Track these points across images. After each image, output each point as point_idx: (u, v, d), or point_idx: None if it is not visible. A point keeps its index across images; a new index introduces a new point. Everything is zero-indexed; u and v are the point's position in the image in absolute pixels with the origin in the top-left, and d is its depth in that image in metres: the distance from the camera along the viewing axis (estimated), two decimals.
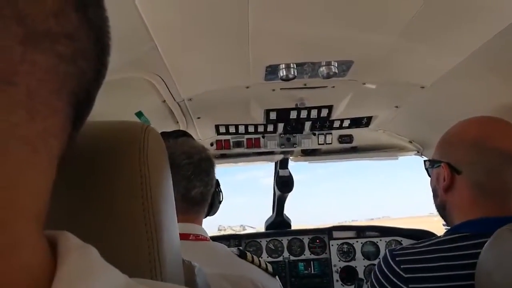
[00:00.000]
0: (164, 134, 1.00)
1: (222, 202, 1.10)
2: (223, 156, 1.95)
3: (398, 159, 2.02)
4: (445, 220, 0.89)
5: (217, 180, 1.02)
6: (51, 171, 0.26)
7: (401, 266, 0.76)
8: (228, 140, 1.85)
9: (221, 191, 1.08)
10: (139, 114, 1.30)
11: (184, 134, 1.08)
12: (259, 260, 0.94)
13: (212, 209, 1.03)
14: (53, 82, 0.24)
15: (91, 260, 0.28)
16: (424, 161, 0.94)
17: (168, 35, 0.92)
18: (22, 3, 0.22)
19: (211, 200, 0.98)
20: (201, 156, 0.93)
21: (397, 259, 0.78)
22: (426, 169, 0.94)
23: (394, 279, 0.76)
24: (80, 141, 0.43)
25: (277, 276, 0.98)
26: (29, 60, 0.22)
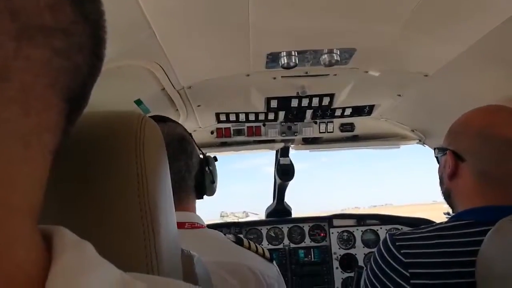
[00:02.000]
0: None
1: (215, 183, 1.02)
2: (224, 144, 1.95)
3: (400, 147, 2.01)
4: (451, 207, 0.90)
5: (206, 159, 0.97)
6: (45, 167, 0.25)
7: (401, 251, 0.76)
8: (229, 128, 1.84)
9: (210, 170, 0.97)
10: (138, 102, 1.29)
11: (161, 119, 1.01)
12: (256, 246, 0.93)
13: (203, 189, 0.95)
14: (48, 77, 0.24)
15: (86, 256, 0.28)
16: (434, 148, 0.95)
17: (166, 21, 0.90)
18: None
19: (200, 180, 0.94)
20: (169, 141, 0.89)
21: (397, 243, 0.77)
22: (436, 157, 0.94)
23: (394, 264, 0.76)
24: (75, 131, 0.42)
25: (274, 262, 0.97)
26: (23, 55, 0.22)
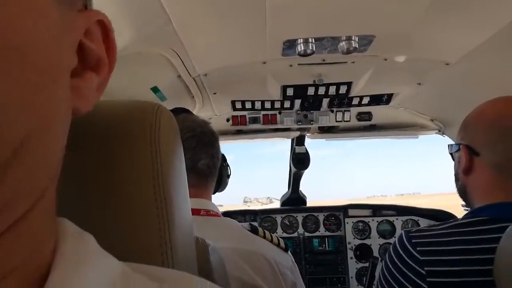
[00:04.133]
0: None
1: (230, 177, 1.10)
2: (239, 132, 1.94)
3: (418, 137, 1.97)
4: (467, 204, 0.88)
5: (223, 155, 1.02)
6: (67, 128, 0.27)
7: (417, 248, 0.74)
8: (244, 116, 1.83)
9: (228, 165, 1.08)
10: (155, 90, 1.29)
11: (184, 110, 1.08)
12: (271, 235, 0.94)
13: (221, 184, 1.03)
14: None
15: (87, 248, 0.28)
16: (448, 145, 0.92)
17: (182, 8, 0.89)
18: None
19: (219, 174, 0.98)
20: (203, 130, 0.93)
21: (413, 241, 0.76)
22: (450, 154, 0.92)
23: (409, 261, 0.75)
24: (91, 121, 0.42)
25: (289, 251, 0.98)
26: None
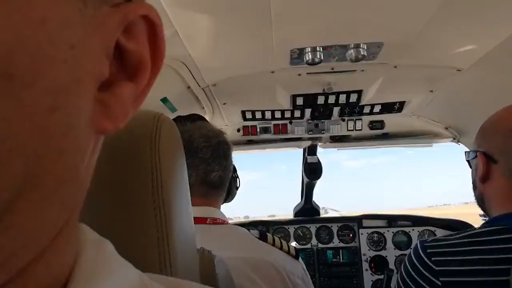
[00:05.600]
0: (180, 118, 0.99)
1: (239, 189, 1.08)
2: (250, 142, 1.94)
3: (432, 146, 1.93)
4: (485, 213, 0.86)
5: (233, 166, 1.00)
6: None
7: (432, 259, 0.73)
8: (255, 126, 1.83)
9: (237, 176, 1.06)
10: (164, 100, 1.30)
11: (200, 118, 1.07)
12: (281, 242, 0.91)
13: (229, 195, 1.02)
14: None
15: (107, 256, 0.27)
16: (465, 152, 0.91)
17: (188, 20, 0.90)
18: None
19: (228, 185, 0.97)
20: (219, 140, 0.92)
21: (428, 251, 0.75)
22: (467, 161, 0.90)
23: (424, 272, 0.73)
24: None
25: (300, 259, 0.95)
26: None
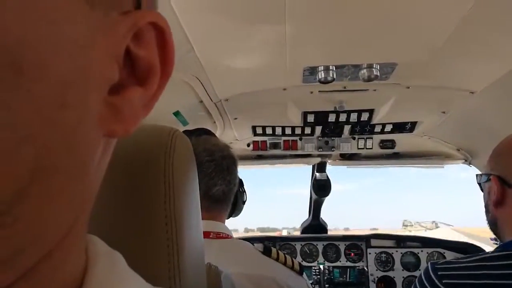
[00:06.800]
0: (186, 132, 1.00)
1: (245, 203, 1.08)
2: (260, 157, 1.94)
3: (444, 167, 1.91)
4: (497, 237, 0.85)
5: (240, 180, 1.00)
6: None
7: (443, 281, 0.72)
8: (265, 141, 1.84)
9: (244, 191, 1.06)
10: (177, 114, 1.32)
11: (206, 132, 1.07)
12: (285, 257, 0.90)
13: (235, 209, 1.01)
14: None
15: (118, 268, 0.27)
16: (476, 175, 0.89)
17: (204, 37, 0.92)
18: None
19: (234, 200, 0.97)
20: (223, 154, 0.92)
21: (439, 273, 0.74)
22: (479, 184, 0.89)
23: None
24: None
25: (304, 274, 0.94)
26: None
